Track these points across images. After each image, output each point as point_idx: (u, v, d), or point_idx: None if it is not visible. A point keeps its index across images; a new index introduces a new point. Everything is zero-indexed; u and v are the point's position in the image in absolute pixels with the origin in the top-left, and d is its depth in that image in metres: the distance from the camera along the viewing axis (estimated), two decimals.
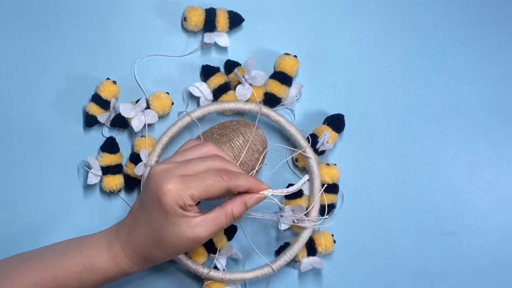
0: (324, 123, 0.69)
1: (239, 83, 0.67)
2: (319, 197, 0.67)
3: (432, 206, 0.71)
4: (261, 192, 0.57)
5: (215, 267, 0.66)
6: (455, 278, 0.70)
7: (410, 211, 0.70)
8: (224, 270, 0.67)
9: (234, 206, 0.56)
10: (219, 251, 0.66)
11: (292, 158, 0.69)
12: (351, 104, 0.70)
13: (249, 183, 0.56)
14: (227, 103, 0.67)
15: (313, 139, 0.67)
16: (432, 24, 0.72)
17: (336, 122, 0.68)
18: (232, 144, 0.64)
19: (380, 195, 0.70)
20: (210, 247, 0.66)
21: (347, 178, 0.69)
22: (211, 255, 0.66)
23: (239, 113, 0.69)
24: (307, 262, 0.67)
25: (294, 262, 0.68)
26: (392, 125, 0.71)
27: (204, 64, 0.68)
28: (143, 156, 0.65)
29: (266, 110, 0.67)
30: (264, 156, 0.66)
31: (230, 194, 0.57)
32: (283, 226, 0.66)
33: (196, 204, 0.54)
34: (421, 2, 0.72)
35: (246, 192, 0.56)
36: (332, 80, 0.71)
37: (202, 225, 0.54)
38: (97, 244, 0.56)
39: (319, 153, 0.68)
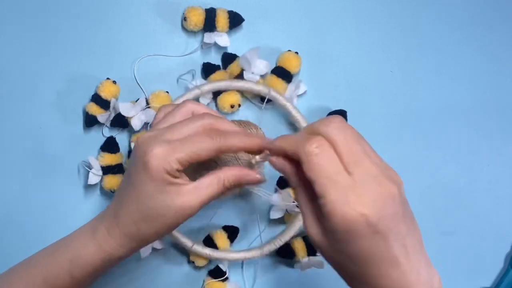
0: None
1: (239, 75, 0.67)
2: None
3: (432, 206, 0.71)
4: (256, 157, 0.52)
5: (217, 268, 0.66)
6: (455, 278, 0.70)
7: None
8: (226, 271, 0.67)
9: (227, 177, 0.51)
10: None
11: None
12: (351, 104, 0.70)
13: (244, 143, 0.50)
14: (237, 82, 0.67)
15: None
16: (432, 24, 0.72)
17: None
18: None
19: None
20: (212, 247, 0.66)
21: None
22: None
23: (244, 103, 0.69)
24: (307, 262, 0.67)
25: (294, 262, 0.68)
26: (392, 125, 0.71)
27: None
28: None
29: (274, 93, 0.67)
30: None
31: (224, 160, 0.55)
32: (274, 215, 0.66)
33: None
34: (421, 2, 0.72)
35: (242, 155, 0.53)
36: (332, 80, 0.71)
37: (193, 193, 0.49)
38: (82, 235, 0.53)
39: None
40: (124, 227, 0.51)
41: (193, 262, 0.67)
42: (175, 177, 0.49)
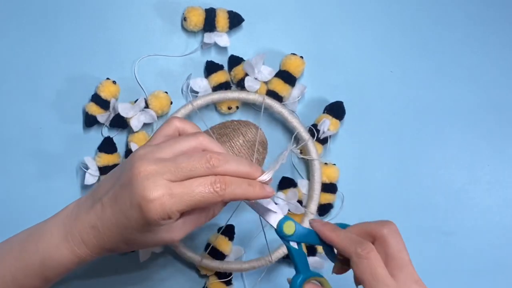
0: (324, 112, 0.69)
1: (243, 78, 0.67)
2: (319, 192, 0.67)
3: (432, 206, 0.71)
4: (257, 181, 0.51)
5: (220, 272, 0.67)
6: (455, 278, 0.70)
7: (410, 211, 0.70)
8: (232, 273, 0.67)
9: (216, 209, 0.52)
10: (227, 257, 0.67)
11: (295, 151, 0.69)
12: (351, 104, 0.69)
13: (246, 194, 0.50)
14: (230, 93, 0.67)
15: (315, 129, 0.68)
16: (432, 24, 0.72)
17: (335, 109, 0.68)
18: (232, 144, 0.64)
19: (380, 195, 0.70)
20: (217, 255, 0.66)
21: (347, 178, 0.69)
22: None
23: (243, 105, 0.69)
24: None
25: None
26: (392, 125, 0.71)
27: (204, 65, 0.69)
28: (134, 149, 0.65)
29: (269, 101, 0.67)
30: (264, 158, 0.66)
31: None
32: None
33: None
34: (421, 2, 0.72)
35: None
36: (332, 80, 0.71)
37: (180, 228, 0.50)
38: (53, 236, 0.51)
39: (322, 141, 0.68)
40: (103, 242, 0.50)
41: (198, 270, 0.67)
42: (169, 219, 0.48)
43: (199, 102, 0.66)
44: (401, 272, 0.49)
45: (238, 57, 0.68)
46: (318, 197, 0.67)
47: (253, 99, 0.67)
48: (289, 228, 0.53)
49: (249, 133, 0.65)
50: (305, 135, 0.67)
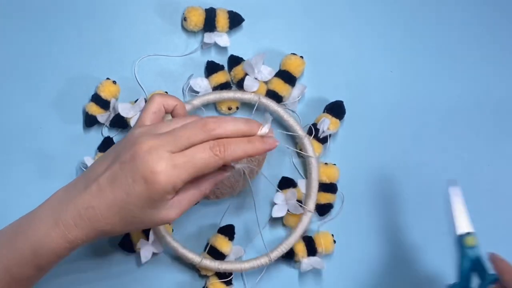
0: (324, 111, 0.69)
1: (243, 78, 0.67)
2: (316, 190, 0.67)
3: (432, 206, 0.70)
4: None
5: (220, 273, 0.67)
6: (455, 278, 0.70)
7: (410, 211, 0.70)
8: (232, 273, 0.67)
9: (207, 185, 0.53)
10: (227, 257, 0.67)
11: (296, 149, 0.69)
12: (351, 104, 0.69)
13: (246, 152, 0.51)
14: (226, 92, 0.67)
15: (314, 128, 0.67)
16: (432, 24, 0.72)
17: (335, 109, 0.68)
18: None
19: (380, 195, 0.70)
20: (218, 255, 0.66)
21: (347, 178, 0.69)
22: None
23: (244, 105, 0.69)
24: (307, 262, 0.67)
25: (294, 262, 0.68)
26: (392, 124, 0.71)
27: (204, 65, 0.69)
28: None
29: (265, 100, 0.67)
30: (263, 160, 0.66)
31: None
32: (276, 213, 0.67)
33: None
34: (421, 2, 0.72)
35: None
36: (332, 80, 0.71)
37: (176, 206, 0.51)
38: (42, 223, 0.51)
39: (322, 141, 0.68)
40: (97, 222, 0.50)
41: (198, 271, 0.67)
42: (170, 194, 0.50)
43: (195, 102, 0.66)
44: None
45: (238, 57, 0.69)
46: (315, 195, 0.67)
47: (249, 98, 0.67)
48: (473, 241, 0.58)
49: None
50: (301, 133, 0.67)
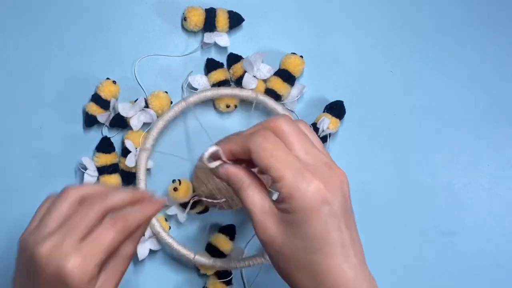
0: (324, 111, 0.69)
1: (242, 76, 0.67)
2: None
3: (432, 206, 0.71)
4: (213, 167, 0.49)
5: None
6: (455, 278, 0.70)
7: (410, 211, 0.70)
8: (232, 272, 0.67)
9: (125, 248, 0.48)
10: (228, 256, 0.67)
11: None
12: (351, 104, 0.70)
13: (144, 214, 0.48)
14: (223, 89, 0.66)
15: (314, 128, 0.67)
16: (432, 24, 0.72)
17: (335, 109, 0.68)
18: None
19: (380, 195, 0.70)
20: (217, 254, 0.66)
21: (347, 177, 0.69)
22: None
23: (242, 104, 0.69)
24: None
25: None
26: (392, 124, 0.71)
27: (204, 65, 0.69)
28: (130, 146, 0.65)
29: (262, 97, 0.66)
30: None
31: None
32: None
33: None
34: (421, 2, 0.72)
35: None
36: (332, 80, 0.71)
37: (107, 285, 0.47)
38: None
39: (321, 140, 0.68)
40: None
41: (198, 270, 0.67)
42: (92, 284, 0.46)
43: (192, 99, 0.66)
44: (307, 154, 0.46)
45: (237, 55, 0.68)
46: None
47: (246, 95, 0.67)
48: None
49: None
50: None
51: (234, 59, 0.68)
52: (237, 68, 0.68)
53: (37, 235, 0.46)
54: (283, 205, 0.45)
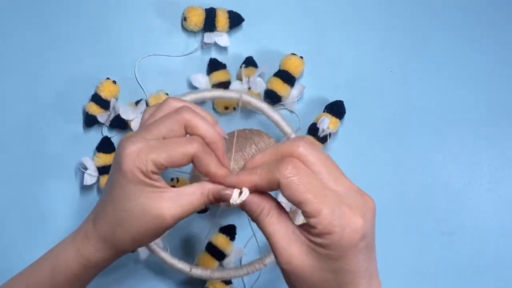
0: (324, 111, 0.69)
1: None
2: None
3: (432, 206, 0.71)
4: (237, 200, 0.45)
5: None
6: (455, 278, 0.70)
7: (410, 211, 0.70)
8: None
9: (212, 190, 0.46)
10: (228, 257, 0.66)
11: None
12: (351, 104, 0.69)
13: (218, 175, 0.46)
14: (208, 92, 0.64)
15: (314, 128, 0.67)
16: (432, 24, 0.72)
17: (335, 109, 0.68)
18: (245, 153, 0.64)
19: (380, 195, 0.70)
20: (218, 254, 0.66)
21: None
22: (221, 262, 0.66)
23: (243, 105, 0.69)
24: None
25: None
26: (392, 124, 0.71)
27: (204, 65, 0.69)
28: None
29: (247, 97, 0.64)
30: None
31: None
32: None
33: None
34: (421, 2, 0.72)
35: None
36: (332, 80, 0.71)
37: (174, 200, 0.45)
38: (64, 240, 0.50)
39: (322, 140, 0.68)
40: (101, 230, 0.48)
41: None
42: (152, 179, 0.45)
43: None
44: (337, 184, 0.44)
45: (254, 60, 0.68)
46: None
47: (230, 96, 0.64)
48: None
49: (261, 142, 0.64)
50: (288, 129, 0.64)
51: (250, 63, 0.68)
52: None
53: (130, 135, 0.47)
54: (319, 240, 0.42)
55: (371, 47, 0.71)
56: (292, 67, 0.68)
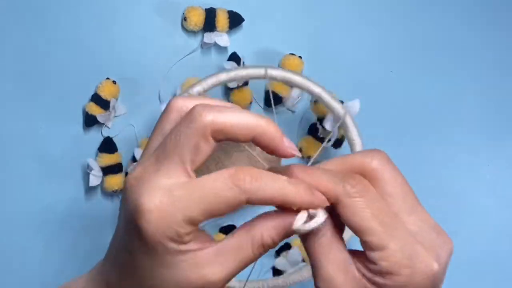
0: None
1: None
2: None
3: (432, 206, 0.70)
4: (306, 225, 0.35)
5: None
6: (455, 278, 0.70)
7: None
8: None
9: (265, 230, 0.34)
10: None
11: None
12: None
13: (283, 195, 0.33)
14: (225, 73, 0.61)
15: (314, 128, 0.67)
16: (433, 24, 0.72)
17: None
18: (249, 154, 0.64)
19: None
20: None
21: None
22: None
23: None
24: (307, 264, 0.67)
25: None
26: (392, 125, 0.71)
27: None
28: (138, 156, 0.65)
29: (273, 71, 0.60)
30: (280, 164, 0.66)
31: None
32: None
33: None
34: (422, 2, 0.72)
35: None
36: (331, 80, 0.70)
37: (214, 262, 0.34)
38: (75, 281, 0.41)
39: (322, 140, 0.67)
40: None
41: None
42: (185, 242, 0.33)
43: (196, 89, 0.61)
44: (412, 214, 0.36)
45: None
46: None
47: (253, 73, 0.59)
48: None
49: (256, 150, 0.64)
50: (341, 110, 0.56)
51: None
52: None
53: (139, 162, 0.35)
54: (377, 279, 0.34)
55: (371, 47, 0.71)
56: (291, 67, 0.68)
